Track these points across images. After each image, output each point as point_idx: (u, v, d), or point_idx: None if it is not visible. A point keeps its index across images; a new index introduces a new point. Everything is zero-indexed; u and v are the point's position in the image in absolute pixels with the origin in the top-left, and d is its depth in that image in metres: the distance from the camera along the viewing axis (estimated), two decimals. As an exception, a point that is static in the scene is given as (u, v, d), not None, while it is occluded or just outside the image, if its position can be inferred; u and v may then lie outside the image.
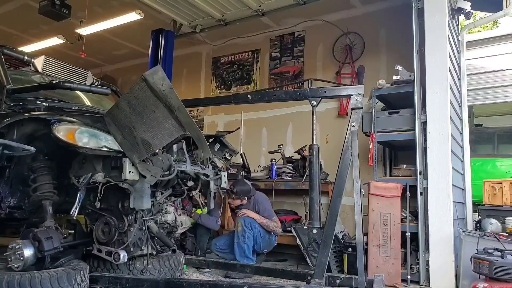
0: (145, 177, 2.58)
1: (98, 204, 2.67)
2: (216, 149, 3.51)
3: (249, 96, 3.17)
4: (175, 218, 3.06)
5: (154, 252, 3.00)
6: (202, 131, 3.33)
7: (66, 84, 2.87)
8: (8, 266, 2.40)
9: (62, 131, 2.49)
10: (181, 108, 2.47)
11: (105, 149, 2.57)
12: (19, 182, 2.84)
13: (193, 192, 3.26)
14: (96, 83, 4.25)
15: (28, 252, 2.42)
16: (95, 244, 2.71)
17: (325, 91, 2.88)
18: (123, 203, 2.68)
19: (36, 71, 3.91)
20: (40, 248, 2.45)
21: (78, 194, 2.68)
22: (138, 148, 2.53)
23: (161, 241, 2.95)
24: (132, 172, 2.57)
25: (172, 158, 2.79)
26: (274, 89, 6.12)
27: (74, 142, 2.49)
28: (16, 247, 2.42)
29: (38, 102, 3.12)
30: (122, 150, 2.58)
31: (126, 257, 2.65)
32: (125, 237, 2.68)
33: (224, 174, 3.43)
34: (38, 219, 2.75)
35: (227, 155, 3.66)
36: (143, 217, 2.76)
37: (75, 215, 2.69)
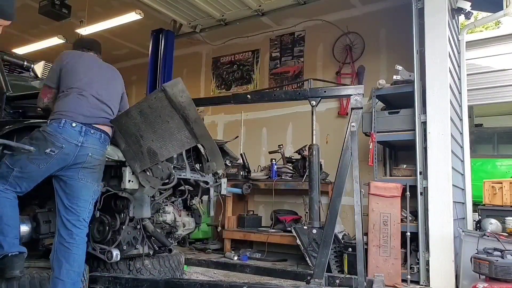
0: (144, 186, 2.59)
1: (97, 213, 2.67)
2: None
3: (248, 96, 3.17)
4: (175, 218, 3.05)
5: (151, 252, 2.99)
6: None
7: None
8: None
9: None
10: (198, 121, 2.47)
11: None
12: None
13: (193, 201, 3.26)
14: None
15: (24, 228, 2.45)
16: (90, 243, 2.71)
17: (325, 91, 2.87)
18: (115, 201, 2.68)
19: (36, 76, 3.89)
20: (36, 230, 2.50)
21: None
22: (142, 157, 2.53)
23: (158, 241, 2.94)
24: (132, 181, 2.57)
25: (172, 165, 2.79)
26: (274, 89, 6.12)
27: None
28: None
29: (39, 109, 3.10)
30: (122, 159, 2.58)
31: (119, 256, 2.64)
32: (118, 236, 2.68)
33: (224, 181, 3.43)
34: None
35: (227, 162, 3.67)
36: None
37: None
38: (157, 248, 3.03)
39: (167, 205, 3.01)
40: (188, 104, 2.43)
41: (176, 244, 3.19)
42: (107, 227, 2.69)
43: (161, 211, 2.96)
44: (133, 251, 2.84)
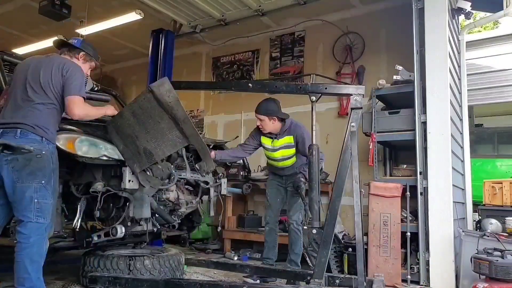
0: (144, 186, 2.60)
1: (97, 213, 2.67)
2: None
3: (250, 84, 3.14)
4: (178, 196, 3.05)
5: (155, 229, 2.99)
6: (204, 139, 3.33)
7: None
8: (9, 239, 2.46)
9: (62, 140, 2.50)
10: (186, 120, 2.48)
11: (105, 158, 2.58)
12: None
13: (194, 201, 3.26)
14: (96, 88, 4.24)
15: None
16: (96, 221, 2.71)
17: (326, 88, 2.87)
18: (119, 181, 2.68)
19: None
20: None
21: (79, 205, 2.68)
22: (139, 157, 2.54)
23: (161, 217, 2.94)
24: (132, 181, 2.58)
25: (172, 166, 2.79)
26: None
27: (74, 151, 2.50)
28: None
29: None
30: (122, 159, 2.58)
31: (124, 231, 2.65)
32: (122, 212, 2.69)
33: (224, 181, 3.43)
34: None
35: (227, 162, 3.65)
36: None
37: (78, 226, 2.70)
38: (160, 226, 3.03)
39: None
40: (175, 104, 2.44)
41: (177, 222, 3.17)
42: (111, 204, 2.70)
43: (164, 189, 2.97)
44: (137, 227, 2.84)
